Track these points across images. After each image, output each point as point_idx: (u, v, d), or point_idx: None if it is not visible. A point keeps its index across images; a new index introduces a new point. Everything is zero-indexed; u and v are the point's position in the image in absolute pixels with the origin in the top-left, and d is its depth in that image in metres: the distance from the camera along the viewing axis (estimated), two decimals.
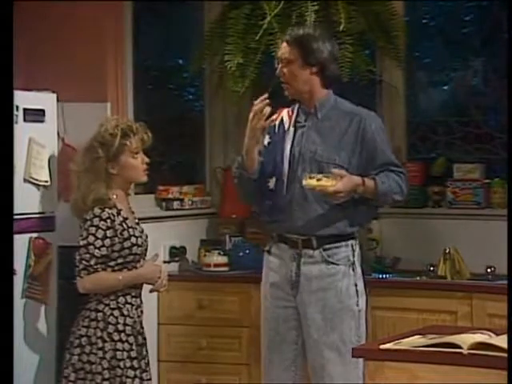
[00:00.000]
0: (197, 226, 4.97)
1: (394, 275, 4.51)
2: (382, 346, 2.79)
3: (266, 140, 3.67)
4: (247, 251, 4.76)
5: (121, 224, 3.59)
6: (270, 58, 4.09)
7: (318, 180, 3.45)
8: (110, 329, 3.55)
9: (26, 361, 3.84)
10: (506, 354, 2.57)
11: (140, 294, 3.67)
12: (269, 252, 3.72)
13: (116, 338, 3.54)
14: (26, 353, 3.85)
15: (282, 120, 3.72)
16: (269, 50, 4.36)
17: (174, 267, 4.73)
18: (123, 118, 4.02)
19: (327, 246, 3.60)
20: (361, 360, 3.51)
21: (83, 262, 3.54)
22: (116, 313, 3.57)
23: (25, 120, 3.90)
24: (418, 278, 4.45)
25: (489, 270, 4.41)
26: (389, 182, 3.58)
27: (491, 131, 4.85)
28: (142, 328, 3.67)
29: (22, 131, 3.87)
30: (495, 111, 4.88)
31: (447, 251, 4.44)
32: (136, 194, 4.50)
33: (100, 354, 3.52)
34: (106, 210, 3.57)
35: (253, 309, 4.39)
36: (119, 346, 3.54)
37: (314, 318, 3.60)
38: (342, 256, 3.62)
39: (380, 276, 4.49)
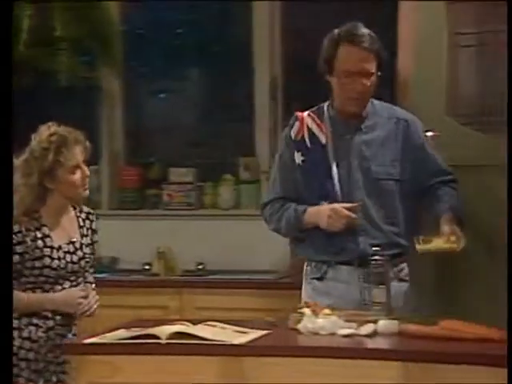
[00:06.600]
0: None
1: (111, 274, 4.66)
2: (85, 341, 2.93)
3: (299, 158, 3.23)
4: None
5: (34, 240, 3.18)
6: None
7: (436, 242, 3.07)
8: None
9: None
10: (203, 342, 2.80)
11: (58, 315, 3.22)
12: (320, 278, 3.26)
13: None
14: None
15: (310, 132, 3.24)
16: None
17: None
18: (59, 127, 3.30)
19: (395, 262, 3.23)
20: None
21: None
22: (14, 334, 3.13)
23: None
24: (133, 277, 4.63)
25: (199, 267, 4.68)
26: (454, 204, 3.22)
27: (204, 138, 5.11)
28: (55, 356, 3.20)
29: None
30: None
31: (160, 250, 4.68)
32: None
33: None
34: (21, 223, 3.15)
35: None
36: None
37: None
38: (406, 273, 3.28)
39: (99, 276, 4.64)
